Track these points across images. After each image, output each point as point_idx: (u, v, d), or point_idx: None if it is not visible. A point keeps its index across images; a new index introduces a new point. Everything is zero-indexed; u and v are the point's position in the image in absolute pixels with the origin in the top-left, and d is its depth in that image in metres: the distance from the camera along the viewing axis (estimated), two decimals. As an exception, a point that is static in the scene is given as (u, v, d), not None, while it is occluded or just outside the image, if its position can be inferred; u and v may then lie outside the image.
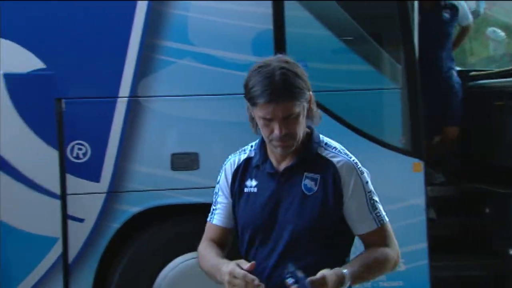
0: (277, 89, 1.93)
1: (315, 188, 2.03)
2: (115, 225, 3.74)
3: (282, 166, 2.07)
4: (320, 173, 2.04)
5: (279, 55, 2.06)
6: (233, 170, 2.14)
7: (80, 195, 3.72)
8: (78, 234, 3.73)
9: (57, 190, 3.68)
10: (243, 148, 2.19)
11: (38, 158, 3.68)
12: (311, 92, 2.03)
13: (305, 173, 2.04)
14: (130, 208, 3.76)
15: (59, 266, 3.69)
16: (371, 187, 2.09)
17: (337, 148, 2.11)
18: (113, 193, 3.73)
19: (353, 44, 4.02)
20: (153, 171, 3.79)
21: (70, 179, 3.70)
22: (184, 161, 3.80)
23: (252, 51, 3.84)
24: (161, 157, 3.80)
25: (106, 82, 3.80)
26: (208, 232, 2.20)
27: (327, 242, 2.05)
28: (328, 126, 3.80)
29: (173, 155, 3.79)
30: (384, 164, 3.89)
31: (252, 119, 2.04)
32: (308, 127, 2.11)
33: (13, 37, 3.67)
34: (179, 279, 3.83)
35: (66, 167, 3.70)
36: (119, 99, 3.76)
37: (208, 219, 2.19)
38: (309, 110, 2.05)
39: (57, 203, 3.68)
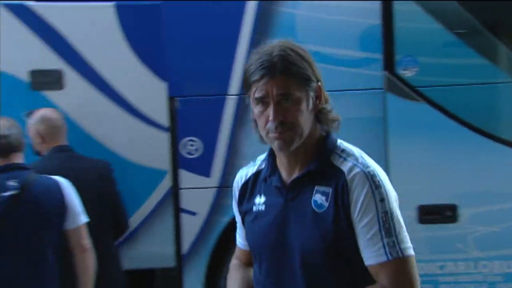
0: (274, 64, 1.63)
1: (326, 204, 1.65)
2: (225, 219, 3.81)
3: (291, 178, 1.73)
4: (332, 186, 1.66)
5: (286, 40, 1.74)
6: (240, 187, 1.85)
7: (192, 189, 3.82)
8: (191, 227, 3.83)
9: (165, 122, 3.79)
10: (254, 160, 1.88)
11: (147, 90, 3.79)
12: (320, 84, 1.70)
13: (316, 187, 1.68)
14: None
15: (169, 199, 3.81)
16: (390, 207, 1.63)
17: (355, 155, 1.70)
18: (223, 188, 3.80)
19: (467, 37, 3.84)
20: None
21: (183, 173, 3.81)
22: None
23: (360, 47, 3.77)
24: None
25: (217, 81, 3.87)
26: (236, 251, 1.99)
27: (349, 270, 1.67)
28: (441, 124, 3.74)
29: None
30: (506, 163, 3.70)
31: (254, 121, 1.72)
32: (325, 132, 1.75)
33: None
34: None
35: (179, 162, 3.82)
36: (229, 97, 3.82)
37: (235, 237, 1.97)
38: (318, 105, 1.70)
39: (165, 136, 3.78)
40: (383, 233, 1.60)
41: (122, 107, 3.78)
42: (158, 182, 3.81)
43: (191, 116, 3.84)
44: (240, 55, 3.79)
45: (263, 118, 1.66)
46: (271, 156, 1.77)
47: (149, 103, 3.79)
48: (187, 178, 3.81)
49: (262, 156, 1.84)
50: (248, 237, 1.83)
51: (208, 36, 3.82)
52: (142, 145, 3.81)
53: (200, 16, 3.82)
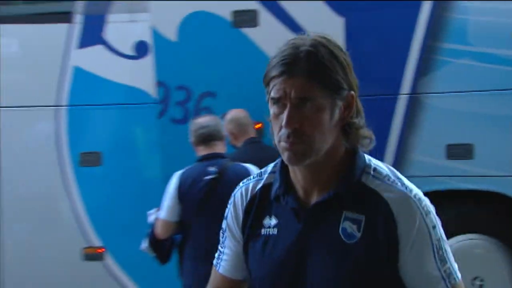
0: (298, 60, 1.24)
1: (358, 235, 1.26)
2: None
3: (311, 200, 1.32)
4: (365, 213, 1.27)
5: (324, 34, 1.33)
6: (245, 203, 1.40)
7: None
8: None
9: None
10: (259, 172, 1.44)
11: (328, 27, 3.79)
12: (353, 93, 1.30)
13: (344, 212, 1.28)
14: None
15: None
16: (441, 232, 1.29)
17: (390, 176, 1.31)
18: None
19: None
20: (429, 159, 3.74)
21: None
22: (459, 151, 3.67)
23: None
24: (437, 147, 3.73)
25: (389, 81, 3.84)
26: (214, 280, 1.50)
27: None
28: None
29: (449, 145, 3.69)
30: None
31: (271, 123, 1.33)
32: (352, 147, 1.35)
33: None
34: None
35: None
36: (400, 96, 3.77)
37: (214, 262, 1.51)
38: (346, 118, 1.29)
39: None
40: (438, 263, 1.27)
41: None
42: None
43: (367, 112, 3.83)
44: (413, 57, 3.72)
45: (277, 122, 1.27)
46: (284, 170, 1.36)
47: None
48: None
49: (269, 168, 1.42)
50: (254, 268, 1.39)
51: (383, 36, 3.80)
52: None
53: (375, 16, 3.80)
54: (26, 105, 4.16)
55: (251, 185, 1.41)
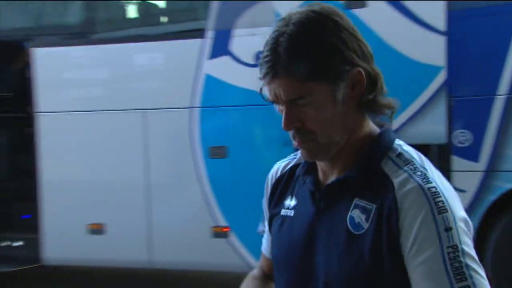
0: (278, 56, 1.04)
1: (366, 226, 1.05)
2: (491, 197, 3.79)
3: (329, 182, 1.14)
4: (376, 202, 1.05)
5: (321, 3, 1.09)
6: (274, 181, 1.25)
7: (462, 172, 3.90)
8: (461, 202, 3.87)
9: (441, 27, 3.77)
10: (297, 151, 1.24)
11: (426, 3, 3.80)
12: (359, 69, 1.06)
13: (356, 199, 1.07)
14: (505, 184, 3.76)
15: (441, 94, 3.81)
16: (461, 240, 1.01)
17: (413, 163, 1.06)
18: (490, 171, 3.77)
19: None
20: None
21: (455, 159, 3.88)
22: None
23: None
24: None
25: (488, 82, 3.85)
26: (261, 259, 1.38)
27: None
28: None
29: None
30: None
31: None
32: (380, 125, 1.13)
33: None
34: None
35: (452, 150, 3.88)
36: (498, 96, 3.78)
37: None
38: (356, 96, 1.07)
39: (441, 38, 3.78)
40: (452, 276, 0.97)
41: (409, 18, 3.82)
42: (433, 77, 3.80)
43: (464, 112, 3.86)
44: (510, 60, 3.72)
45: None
46: None
47: (430, 13, 3.78)
48: (458, 162, 3.85)
49: None
50: (271, 247, 1.26)
51: (483, 46, 3.82)
52: (421, 46, 3.83)
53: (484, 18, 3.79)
54: (166, 107, 4.61)
55: (284, 163, 1.26)
